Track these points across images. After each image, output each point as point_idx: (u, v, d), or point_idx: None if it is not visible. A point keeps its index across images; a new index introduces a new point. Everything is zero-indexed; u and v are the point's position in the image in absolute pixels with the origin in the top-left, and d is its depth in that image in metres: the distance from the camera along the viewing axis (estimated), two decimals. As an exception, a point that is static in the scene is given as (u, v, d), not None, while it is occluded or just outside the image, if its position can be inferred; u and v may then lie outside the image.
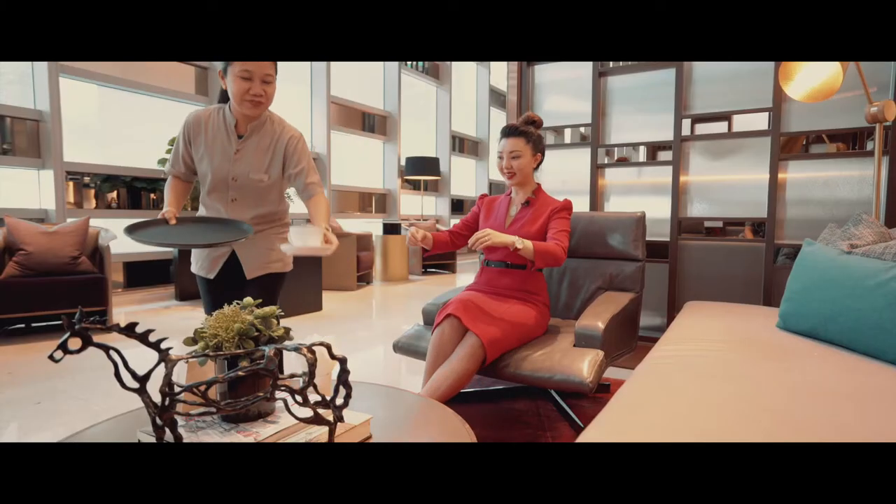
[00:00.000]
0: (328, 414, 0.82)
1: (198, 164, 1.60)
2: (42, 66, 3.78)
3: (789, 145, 2.57)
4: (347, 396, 0.80)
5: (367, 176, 7.11)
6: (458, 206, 8.68)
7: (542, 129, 3.12)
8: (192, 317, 3.91)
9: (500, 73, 9.56)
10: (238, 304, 0.91)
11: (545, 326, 1.81)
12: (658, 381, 1.15)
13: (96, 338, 0.64)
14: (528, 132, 1.83)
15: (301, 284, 4.06)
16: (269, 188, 1.60)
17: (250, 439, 0.79)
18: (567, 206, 1.83)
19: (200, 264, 1.66)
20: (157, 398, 0.70)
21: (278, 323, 0.91)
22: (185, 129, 1.60)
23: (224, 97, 1.60)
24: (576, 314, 2.11)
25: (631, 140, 2.85)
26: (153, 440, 0.71)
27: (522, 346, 1.68)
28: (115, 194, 4.50)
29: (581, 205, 2.94)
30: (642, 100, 2.78)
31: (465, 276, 6.58)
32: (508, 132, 1.84)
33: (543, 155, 1.90)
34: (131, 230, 1.39)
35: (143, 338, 0.70)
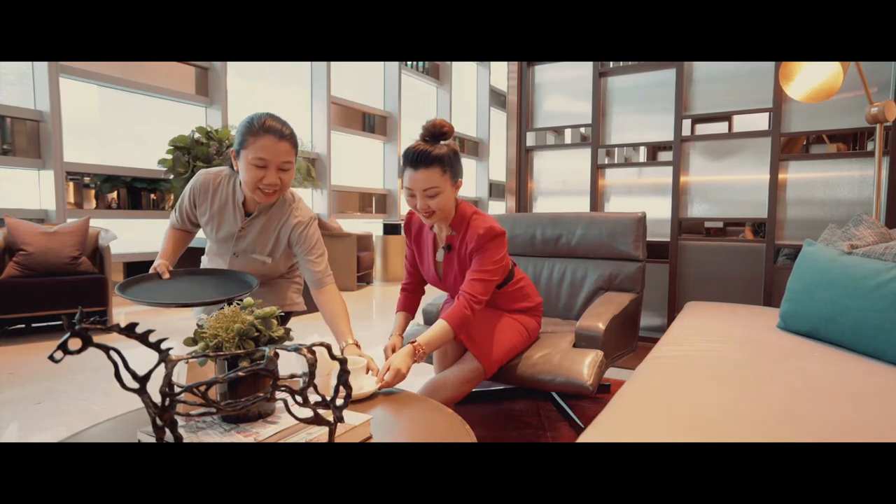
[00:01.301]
0: (328, 414, 0.82)
1: (203, 225, 1.52)
2: (42, 66, 3.78)
3: (790, 146, 2.57)
4: (347, 397, 0.80)
5: (367, 176, 7.11)
6: (458, 206, 8.67)
7: (542, 129, 3.15)
8: (192, 317, 3.91)
9: (500, 73, 9.56)
10: (238, 304, 0.91)
11: (540, 325, 1.76)
12: (658, 381, 1.15)
13: (96, 338, 0.64)
14: (441, 157, 1.38)
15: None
16: (274, 267, 1.55)
17: (250, 440, 0.79)
18: (487, 238, 1.45)
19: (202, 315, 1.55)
20: (157, 398, 0.70)
21: (278, 323, 0.91)
22: (191, 190, 1.49)
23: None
24: (576, 314, 2.11)
25: (631, 140, 2.85)
26: (153, 440, 0.71)
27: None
28: (115, 194, 4.51)
29: (581, 205, 2.94)
30: (642, 100, 2.78)
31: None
32: (416, 160, 1.38)
33: (462, 176, 1.48)
34: (123, 288, 1.28)
35: (143, 338, 0.70)
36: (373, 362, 1.25)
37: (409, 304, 1.69)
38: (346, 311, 1.46)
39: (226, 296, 1.31)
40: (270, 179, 1.33)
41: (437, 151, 1.38)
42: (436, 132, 1.40)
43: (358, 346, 1.40)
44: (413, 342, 1.34)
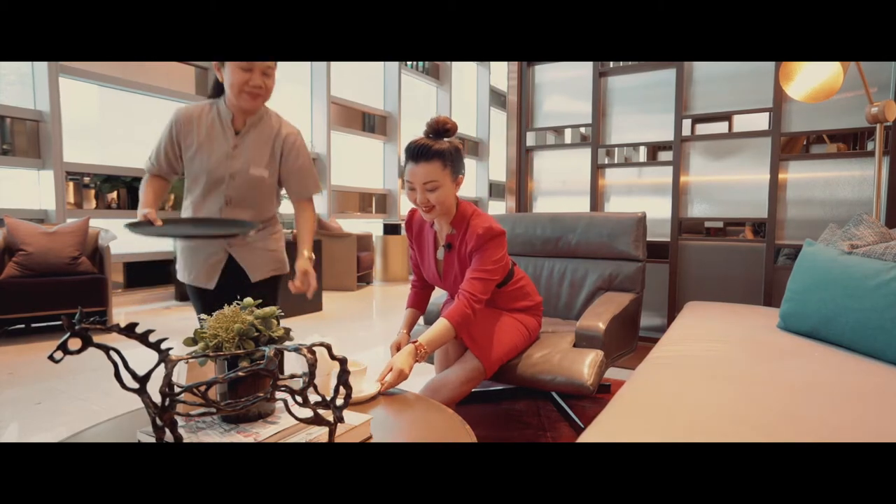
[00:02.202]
0: (328, 414, 0.82)
1: (188, 165, 1.50)
2: (42, 66, 3.78)
3: (790, 145, 2.57)
4: (347, 397, 0.80)
5: (367, 176, 7.11)
6: (458, 206, 8.67)
7: (542, 129, 3.15)
8: (192, 317, 3.91)
9: (500, 73, 9.56)
10: (238, 304, 0.91)
11: (540, 325, 1.77)
12: (658, 381, 1.15)
13: (96, 338, 0.64)
14: (443, 152, 1.39)
15: (301, 284, 4.06)
16: (269, 188, 1.55)
17: (250, 440, 0.79)
18: (487, 238, 1.45)
19: (195, 273, 1.54)
20: (157, 398, 0.70)
21: (278, 323, 0.91)
22: (173, 125, 1.48)
23: (216, 91, 1.52)
24: (576, 314, 2.11)
25: (631, 140, 2.85)
26: (153, 440, 0.71)
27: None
28: (115, 194, 4.51)
29: (581, 205, 2.94)
30: (642, 100, 2.78)
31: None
32: (417, 154, 1.39)
33: (464, 173, 1.48)
34: (134, 227, 1.32)
35: (143, 338, 0.70)
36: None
37: (418, 300, 1.71)
38: (313, 229, 1.62)
39: (233, 231, 1.39)
40: (256, 81, 1.40)
41: (438, 146, 1.40)
42: (439, 129, 1.42)
43: (312, 259, 1.56)
44: (414, 342, 1.34)
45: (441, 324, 1.39)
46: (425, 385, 1.51)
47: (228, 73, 1.41)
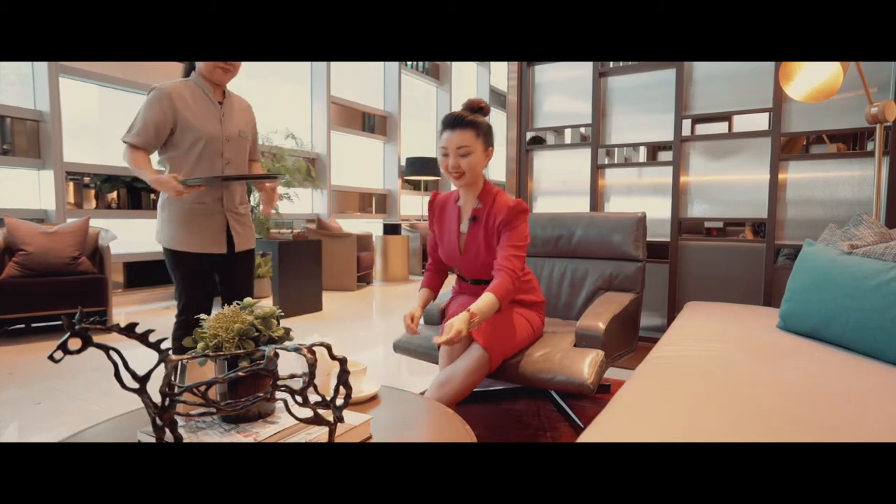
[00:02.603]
0: (328, 414, 0.82)
1: (181, 134, 1.65)
2: (42, 66, 3.78)
3: (790, 146, 2.57)
4: (347, 397, 0.80)
5: (367, 176, 7.11)
6: (458, 206, 8.67)
7: (542, 129, 3.15)
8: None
9: (500, 73, 9.56)
10: (238, 304, 0.91)
11: (543, 324, 1.78)
12: (658, 381, 1.15)
13: (96, 338, 0.64)
14: (477, 122, 1.54)
15: (301, 285, 4.06)
16: (248, 150, 1.84)
17: (250, 440, 0.79)
18: (517, 211, 1.56)
19: (203, 241, 1.71)
20: (157, 398, 0.70)
21: (278, 323, 0.91)
22: (165, 99, 1.62)
23: (188, 71, 1.74)
24: (576, 314, 2.11)
25: (631, 140, 2.85)
26: (153, 440, 0.71)
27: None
28: (115, 194, 4.51)
29: (581, 205, 2.94)
30: (642, 100, 2.78)
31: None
32: (454, 123, 1.53)
33: (493, 148, 1.62)
34: (188, 182, 1.56)
35: (143, 338, 0.70)
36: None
37: (433, 281, 1.80)
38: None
39: (266, 175, 1.69)
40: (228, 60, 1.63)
41: (472, 118, 1.54)
42: (474, 106, 1.58)
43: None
44: (468, 310, 1.42)
45: (487, 297, 1.46)
46: (432, 382, 1.52)
47: None
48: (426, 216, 8.07)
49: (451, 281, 1.82)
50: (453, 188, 1.70)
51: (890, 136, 2.23)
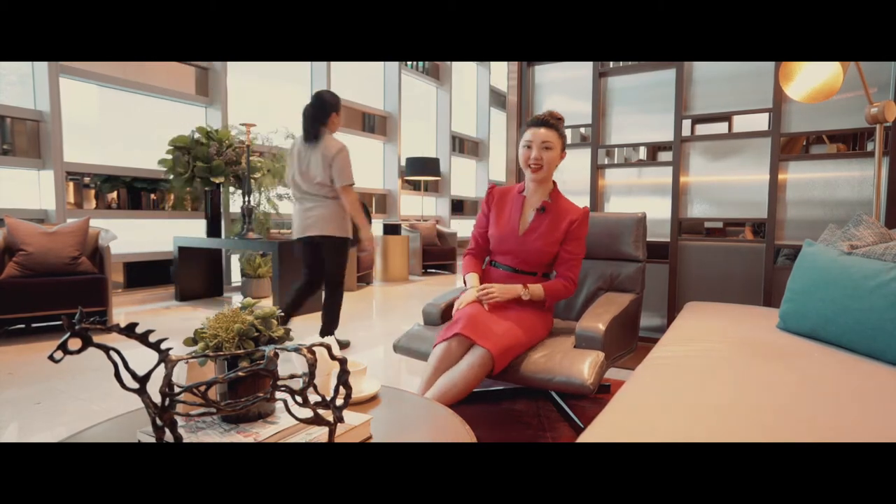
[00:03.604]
0: (328, 414, 0.82)
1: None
2: (42, 66, 3.78)
3: (789, 146, 2.57)
4: (347, 397, 0.80)
5: (367, 176, 7.10)
6: (458, 206, 8.68)
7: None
8: (193, 317, 3.91)
9: (500, 73, 9.56)
10: (238, 304, 0.91)
11: (550, 327, 1.80)
12: (658, 381, 1.15)
13: (96, 338, 0.64)
14: (560, 127, 1.76)
15: (301, 285, 4.05)
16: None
17: (250, 440, 0.79)
18: (586, 217, 1.77)
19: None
20: (157, 399, 0.70)
21: (278, 323, 0.91)
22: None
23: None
24: (576, 315, 2.11)
25: (631, 140, 2.85)
26: (153, 440, 0.71)
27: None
28: (115, 195, 4.51)
29: (581, 205, 2.93)
30: (642, 100, 2.78)
31: (465, 276, 6.54)
32: (541, 122, 1.74)
33: (566, 153, 1.83)
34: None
35: (143, 338, 0.70)
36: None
37: (475, 266, 1.87)
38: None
39: None
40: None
41: (557, 122, 1.76)
42: (555, 116, 1.78)
43: None
44: (525, 285, 1.69)
45: (538, 287, 1.70)
46: (423, 381, 1.53)
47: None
48: (426, 216, 8.06)
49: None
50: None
51: (890, 137, 2.23)
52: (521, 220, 1.80)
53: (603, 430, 0.91)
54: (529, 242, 1.76)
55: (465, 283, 1.87)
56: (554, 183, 1.84)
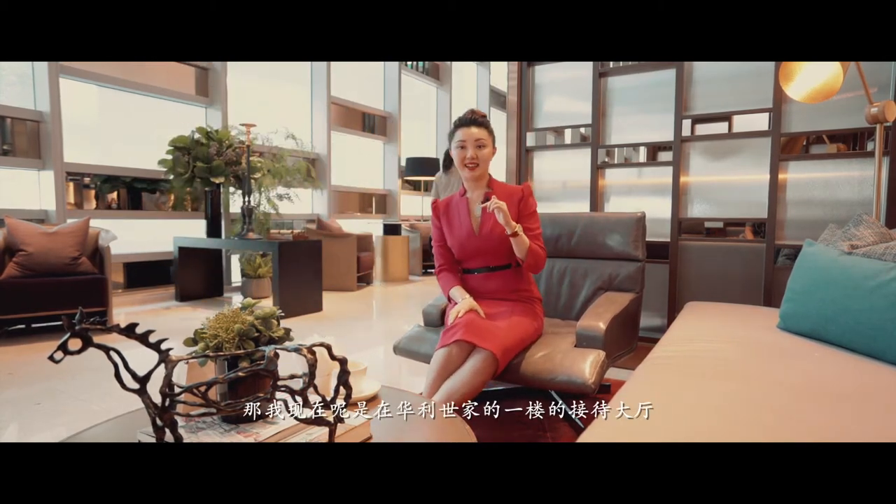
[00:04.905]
0: (328, 414, 0.82)
1: None
2: (42, 67, 3.78)
3: (790, 146, 2.57)
4: (348, 397, 0.80)
5: (367, 176, 7.10)
6: (458, 206, 8.66)
7: (542, 129, 3.16)
8: (193, 317, 3.91)
9: (500, 73, 9.56)
10: (238, 305, 0.91)
11: (541, 331, 1.79)
12: (658, 381, 1.15)
13: (96, 338, 0.64)
14: (488, 124, 1.81)
15: (301, 285, 4.05)
16: None
17: (250, 440, 0.79)
18: (530, 191, 1.83)
19: None
20: (157, 399, 0.70)
21: (278, 323, 0.91)
22: None
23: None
24: (576, 315, 2.11)
25: (631, 140, 2.85)
26: (153, 440, 0.71)
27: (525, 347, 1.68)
28: (115, 195, 4.51)
29: (581, 205, 2.94)
30: (642, 100, 2.78)
31: (466, 276, 6.55)
32: (470, 122, 1.78)
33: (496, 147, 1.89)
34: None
35: (143, 338, 0.70)
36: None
37: (454, 279, 1.86)
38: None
39: None
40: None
41: (484, 120, 1.80)
42: (480, 113, 1.82)
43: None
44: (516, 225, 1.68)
45: (526, 241, 1.69)
46: (427, 386, 1.52)
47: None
48: (427, 216, 8.06)
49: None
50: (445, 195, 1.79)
51: (890, 137, 2.23)
52: (473, 220, 1.83)
53: (603, 430, 0.91)
54: (489, 236, 1.77)
55: (448, 299, 1.86)
56: (489, 175, 1.87)
